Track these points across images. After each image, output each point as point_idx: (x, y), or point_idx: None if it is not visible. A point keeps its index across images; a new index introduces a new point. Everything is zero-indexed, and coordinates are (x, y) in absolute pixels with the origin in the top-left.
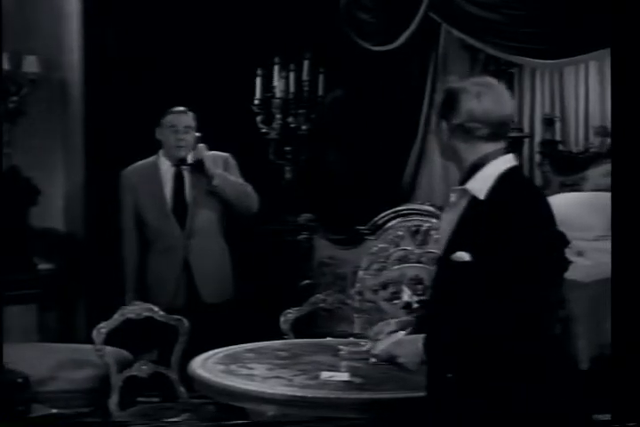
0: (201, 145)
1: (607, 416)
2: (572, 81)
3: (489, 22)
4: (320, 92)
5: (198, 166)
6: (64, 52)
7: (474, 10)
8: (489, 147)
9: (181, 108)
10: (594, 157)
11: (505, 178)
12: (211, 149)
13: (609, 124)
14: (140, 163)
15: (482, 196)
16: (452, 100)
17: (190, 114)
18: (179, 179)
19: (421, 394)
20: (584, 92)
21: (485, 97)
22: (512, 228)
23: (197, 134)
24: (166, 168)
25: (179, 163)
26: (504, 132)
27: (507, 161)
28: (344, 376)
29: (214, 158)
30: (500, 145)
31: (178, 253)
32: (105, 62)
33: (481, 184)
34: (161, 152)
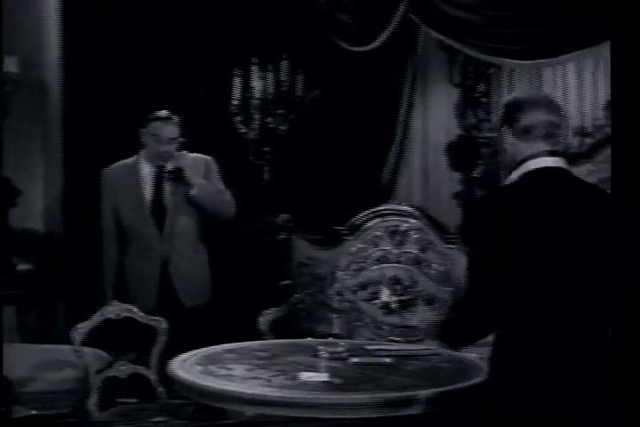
0: (182, 153)
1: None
2: (550, 81)
3: (467, 23)
4: (299, 92)
5: (178, 175)
6: (43, 52)
7: (452, 11)
8: (541, 147)
9: (166, 114)
10: (573, 158)
11: (527, 176)
12: (190, 150)
13: (588, 125)
14: (121, 162)
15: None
16: (518, 109)
17: (175, 121)
18: (159, 181)
19: (399, 394)
20: (562, 92)
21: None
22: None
23: (181, 139)
24: (147, 170)
25: (159, 169)
26: (557, 135)
27: (546, 161)
28: (323, 377)
29: (195, 162)
30: (549, 147)
31: (156, 256)
32: (84, 62)
33: (513, 177)
34: (142, 153)
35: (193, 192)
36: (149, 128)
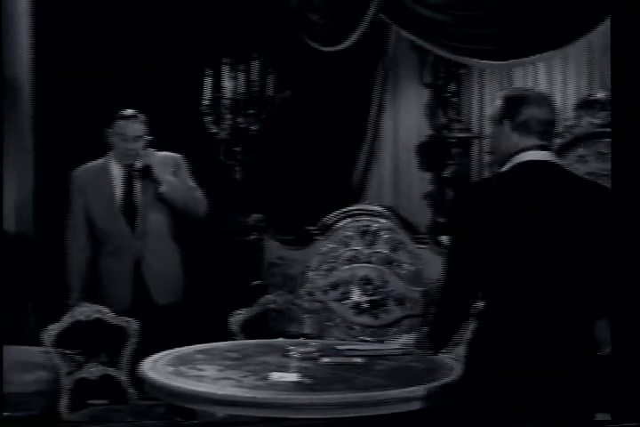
0: (150, 150)
1: (607, 416)
2: (520, 82)
3: (438, 23)
4: (270, 92)
5: (146, 172)
6: (14, 51)
7: (423, 11)
8: (534, 141)
9: (131, 113)
10: None
11: (519, 167)
12: (161, 149)
13: (558, 125)
14: (90, 164)
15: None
16: (519, 103)
17: (140, 119)
18: (129, 181)
19: (370, 394)
20: None
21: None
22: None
23: (148, 138)
24: (117, 171)
25: (127, 168)
26: (551, 131)
27: (538, 155)
28: (294, 377)
29: (164, 161)
30: (542, 142)
31: (128, 255)
32: (55, 62)
33: (505, 168)
34: (111, 153)
35: (162, 189)
36: (115, 127)
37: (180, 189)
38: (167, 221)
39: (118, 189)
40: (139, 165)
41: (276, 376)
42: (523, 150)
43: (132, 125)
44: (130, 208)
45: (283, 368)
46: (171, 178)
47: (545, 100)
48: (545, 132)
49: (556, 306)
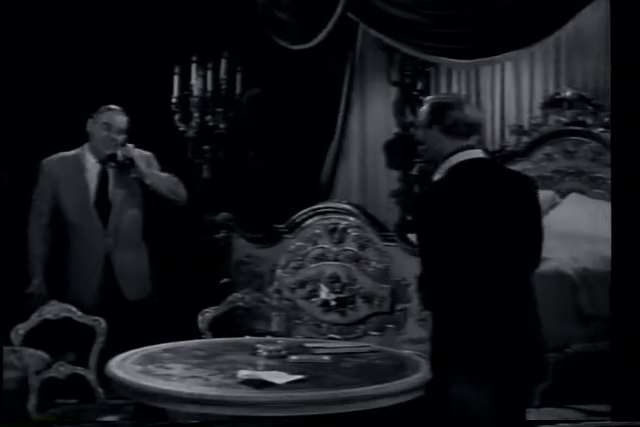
0: (129, 144)
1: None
2: (487, 80)
3: (405, 22)
4: (238, 90)
5: (128, 165)
6: None
7: (390, 10)
8: (463, 142)
9: (118, 108)
10: (509, 156)
11: (459, 166)
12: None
13: (524, 123)
14: (63, 154)
15: (436, 178)
16: (438, 112)
17: (124, 114)
18: (103, 176)
19: (338, 391)
20: (500, 91)
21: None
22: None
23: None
24: (92, 164)
25: (106, 160)
26: (477, 132)
27: (471, 153)
28: (262, 375)
29: (141, 157)
30: (471, 142)
31: (99, 251)
32: (21, 55)
33: (439, 171)
34: (87, 146)
35: (148, 181)
36: (99, 116)
37: (164, 179)
38: (138, 217)
39: (92, 184)
40: (120, 157)
41: (244, 374)
42: (456, 151)
43: (118, 116)
44: (103, 204)
45: (250, 366)
46: (152, 170)
47: (468, 104)
48: (470, 133)
49: (501, 271)
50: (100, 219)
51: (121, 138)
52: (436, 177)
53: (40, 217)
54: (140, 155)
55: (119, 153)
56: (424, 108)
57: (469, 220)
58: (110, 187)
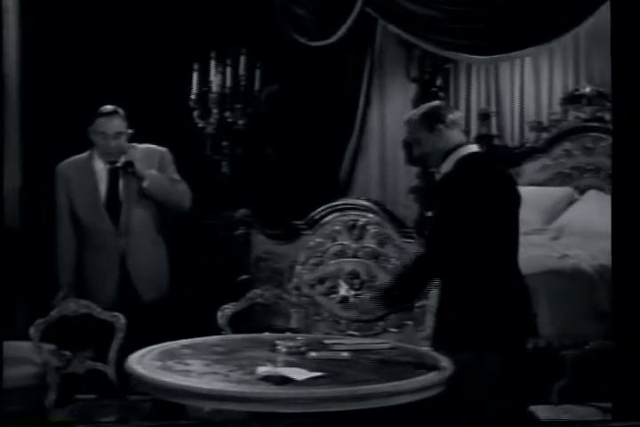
0: (132, 145)
1: (608, 415)
2: (507, 76)
3: (424, 18)
4: (257, 86)
5: (128, 168)
6: (1, 49)
7: (409, 5)
8: (459, 138)
9: (110, 109)
10: (529, 152)
11: (463, 160)
12: (147, 143)
13: (544, 119)
14: (74, 158)
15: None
16: (444, 113)
17: (120, 114)
18: (113, 176)
19: (357, 388)
20: (519, 87)
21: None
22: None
23: (129, 131)
24: (100, 166)
25: (110, 164)
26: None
27: (471, 148)
28: (281, 371)
29: (149, 155)
30: (465, 138)
31: (113, 251)
32: (43, 58)
33: (446, 165)
34: (94, 149)
35: (145, 184)
36: (95, 125)
37: (163, 183)
38: (152, 216)
39: (102, 185)
40: (121, 160)
41: (263, 371)
42: (458, 146)
43: (111, 122)
44: (113, 204)
45: (270, 363)
46: (153, 172)
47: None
48: (463, 130)
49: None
50: (111, 219)
51: (120, 142)
52: (445, 169)
53: (62, 225)
54: (149, 152)
55: (121, 158)
56: (417, 119)
57: (482, 206)
58: (120, 187)
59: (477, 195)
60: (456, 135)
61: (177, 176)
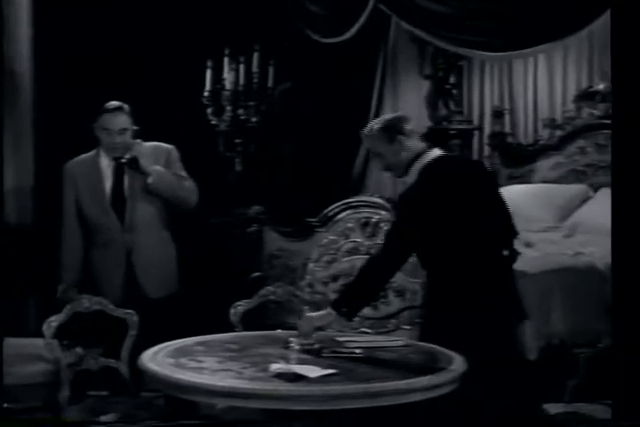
0: (137, 141)
1: (608, 415)
2: (520, 73)
3: (438, 15)
4: (270, 84)
5: (133, 164)
6: (14, 44)
7: (423, 2)
8: (420, 146)
9: (115, 105)
10: (542, 150)
11: (426, 168)
12: (160, 141)
13: (558, 117)
14: (81, 156)
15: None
16: (399, 125)
17: (125, 111)
18: (119, 173)
19: (369, 385)
20: (533, 84)
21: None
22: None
23: (135, 128)
24: (107, 163)
25: (115, 160)
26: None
27: (434, 153)
28: (294, 368)
29: (155, 151)
30: (425, 145)
31: (118, 248)
32: (56, 54)
33: (411, 175)
34: (100, 146)
35: (149, 180)
36: (99, 121)
37: (168, 180)
38: (158, 213)
39: (107, 182)
40: (126, 156)
41: (276, 368)
42: (419, 155)
43: (115, 119)
44: (119, 201)
45: (283, 360)
46: (158, 169)
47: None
48: (420, 135)
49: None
50: (116, 216)
51: (124, 138)
52: (410, 179)
53: (69, 222)
54: (156, 149)
55: (127, 154)
56: (376, 133)
57: (453, 208)
58: (126, 183)
59: (437, 204)
60: (415, 144)
61: (184, 173)
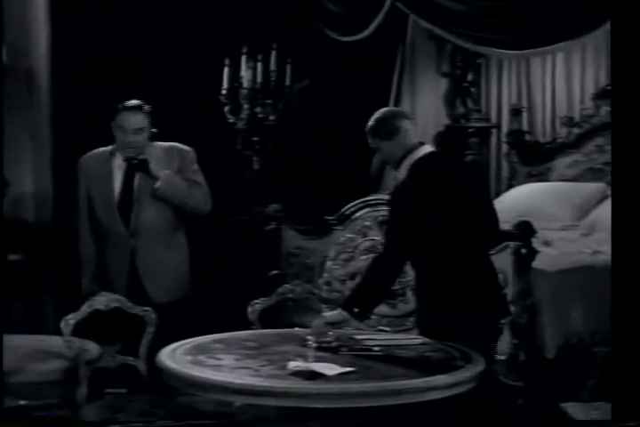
0: (151, 143)
1: (608, 416)
2: (538, 71)
3: (456, 13)
4: (287, 82)
5: (143, 166)
6: (31, 41)
7: (440, 0)
8: (412, 141)
9: (134, 104)
10: (560, 148)
11: (415, 165)
12: (178, 140)
13: (576, 115)
14: (97, 151)
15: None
16: (393, 121)
17: (143, 110)
18: (129, 174)
19: (387, 383)
20: (551, 82)
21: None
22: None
23: (152, 129)
24: (119, 162)
25: (127, 160)
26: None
27: (425, 149)
28: (312, 366)
29: (169, 153)
30: (416, 141)
31: (124, 251)
32: (74, 52)
33: (401, 171)
34: (116, 144)
35: (157, 185)
36: (117, 120)
37: (177, 186)
38: (165, 217)
39: (118, 183)
40: (137, 158)
41: (294, 366)
42: (409, 151)
43: (132, 117)
44: (126, 204)
45: (300, 358)
46: (167, 173)
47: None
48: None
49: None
50: (121, 219)
51: (140, 139)
52: (400, 175)
53: (82, 216)
54: (170, 151)
55: (141, 155)
56: (370, 128)
57: (439, 206)
58: (135, 185)
59: (424, 201)
60: (407, 140)
61: (199, 178)
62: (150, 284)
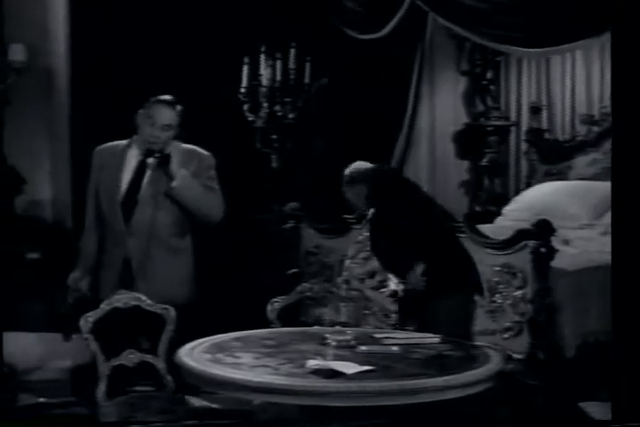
0: (175, 142)
1: (608, 416)
2: (558, 69)
3: (475, 10)
4: (306, 80)
5: (163, 162)
6: (50, 40)
7: None
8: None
9: (169, 99)
10: (580, 146)
11: None
12: (197, 138)
13: (595, 113)
14: (113, 143)
15: None
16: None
17: (177, 108)
18: (140, 171)
19: (406, 382)
20: (570, 80)
21: None
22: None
23: (177, 129)
24: (133, 157)
25: (146, 153)
26: None
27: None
28: (331, 365)
29: (188, 156)
30: None
31: (120, 251)
32: (92, 49)
33: None
34: (135, 137)
35: (174, 184)
36: (147, 110)
37: (193, 188)
38: (172, 220)
39: (126, 179)
40: (162, 152)
41: (313, 364)
42: None
43: (164, 111)
44: (130, 202)
45: (319, 356)
46: (185, 173)
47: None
48: None
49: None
50: (122, 216)
51: (165, 135)
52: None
53: (89, 208)
54: (190, 153)
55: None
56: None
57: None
58: (143, 184)
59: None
60: None
61: (214, 184)
62: (145, 289)
